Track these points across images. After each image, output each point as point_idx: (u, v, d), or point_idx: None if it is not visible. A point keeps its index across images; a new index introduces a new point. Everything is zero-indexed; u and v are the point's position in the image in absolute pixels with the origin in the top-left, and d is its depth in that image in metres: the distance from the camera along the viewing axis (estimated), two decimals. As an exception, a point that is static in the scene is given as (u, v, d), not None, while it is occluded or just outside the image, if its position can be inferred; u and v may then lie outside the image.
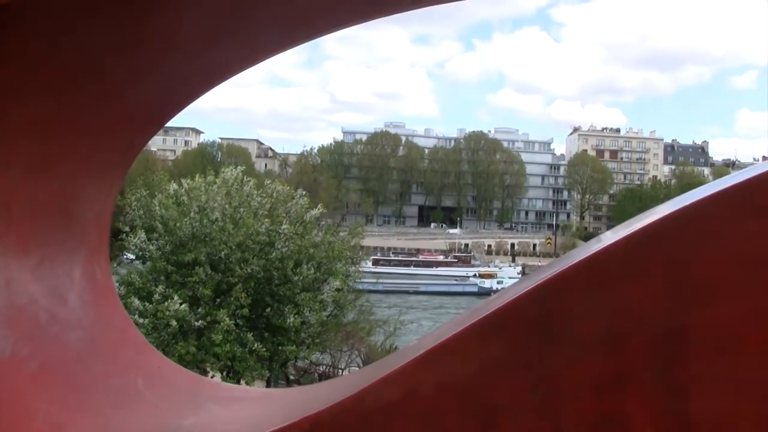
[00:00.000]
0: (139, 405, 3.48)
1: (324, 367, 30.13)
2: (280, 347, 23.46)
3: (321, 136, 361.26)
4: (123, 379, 3.59)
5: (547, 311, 2.33)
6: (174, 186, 25.47)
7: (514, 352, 2.36)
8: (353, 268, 28.67)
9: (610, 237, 2.66)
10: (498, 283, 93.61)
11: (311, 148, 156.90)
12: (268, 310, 23.45)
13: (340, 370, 29.35)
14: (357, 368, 28.95)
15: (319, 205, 27.62)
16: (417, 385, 2.41)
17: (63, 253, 3.54)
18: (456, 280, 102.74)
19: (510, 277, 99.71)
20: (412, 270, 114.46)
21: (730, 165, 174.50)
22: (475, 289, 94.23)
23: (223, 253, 22.48)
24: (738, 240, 2.22)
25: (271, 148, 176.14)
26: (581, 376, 2.30)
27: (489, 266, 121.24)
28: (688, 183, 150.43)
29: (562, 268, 2.38)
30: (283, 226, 23.99)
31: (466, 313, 2.99)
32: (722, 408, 2.22)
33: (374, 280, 40.20)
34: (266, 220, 24.14)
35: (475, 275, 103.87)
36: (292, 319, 22.92)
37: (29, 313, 3.29)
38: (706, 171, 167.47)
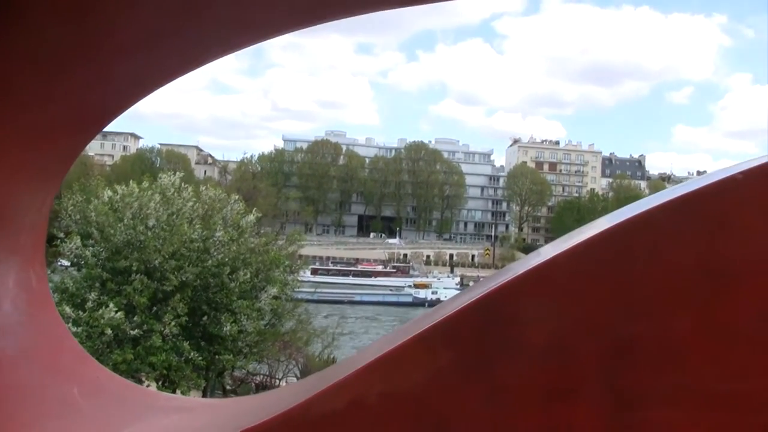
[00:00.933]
0: (75, 416, 3.39)
1: (261, 377, 29.86)
2: (216, 356, 23.23)
3: (262, 143, 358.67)
4: (58, 389, 3.49)
5: (495, 320, 2.30)
6: (108, 192, 25.06)
7: (462, 361, 2.32)
8: (291, 276, 28.53)
9: (549, 250, 2.65)
10: (433, 293, 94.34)
11: (251, 156, 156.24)
12: (205, 318, 23.19)
13: (277, 380, 29.14)
14: (294, 378, 28.81)
15: (253, 210, 27.45)
16: (363, 395, 2.37)
17: None
18: (391, 290, 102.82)
19: (446, 288, 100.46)
20: (351, 280, 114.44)
21: (666, 179, 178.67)
22: (410, 299, 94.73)
23: (157, 261, 22.16)
24: (683, 250, 2.22)
25: (210, 155, 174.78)
26: (531, 385, 2.27)
27: (428, 276, 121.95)
28: (625, 196, 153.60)
29: (509, 278, 2.35)
30: (218, 233, 23.78)
31: (413, 322, 2.96)
32: (669, 418, 2.23)
33: (312, 290, 39.90)
34: (198, 227, 23.90)
35: (410, 285, 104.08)
36: (228, 328, 22.70)
37: None
38: (643, 184, 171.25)
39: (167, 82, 3.70)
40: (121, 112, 3.75)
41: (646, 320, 2.22)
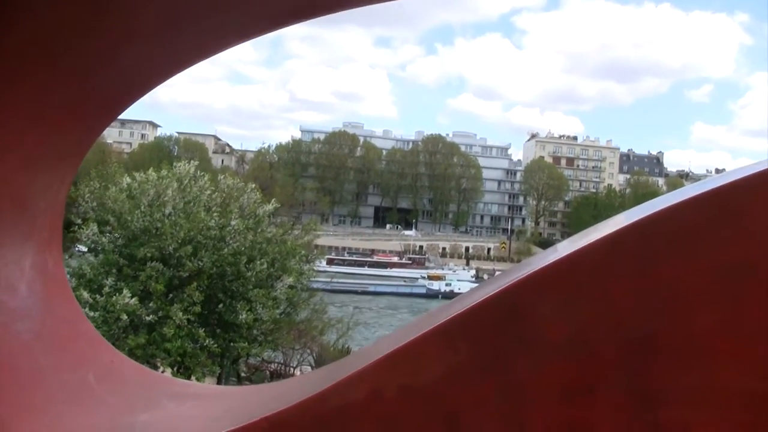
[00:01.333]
0: (90, 401, 3.37)
1: (276, 365, 29.95)
2: (231, 344, 23.29)
3: (279, 134, 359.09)
4: (73, 374, 3.49)
5: (514, 314, 2.29)
6: (127, 179, 25.12)
7: (479, 355, 2.31)
8: (307, 266, 28.55)
9: (566, 246, 2.65)
10: (447, 285, 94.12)
11: (269, 146, 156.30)
12: (221, 306, 23.25)
13: (291, 369, 29.22)
14: (309, 367, 28.88)
15: (272, 200, 27.45)
16: (380, 387, 2.37)
17: (13, 243, 3.44)
18: (405, 281, 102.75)
19: (459, 280, 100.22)
20: (366, 270, 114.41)
21: (684, 176, 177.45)
22: (423, 290, 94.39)
23: (171, 247, 22.21)
24: (709, 247, 2.20)
25: (228, 144, 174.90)
26: (548, 381, 2.26)
27: (443, 269, 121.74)
28: (642, 192, 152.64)
29: (528, 273, 2.33)
30: (233, 221, 23.81)
31: (428, 314, 2.94)
32: (691, 417, 2.20)
33: (328, 279, 39.97)
34: (216, 214, 23.94)
35: (424, 277, 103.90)
36: (244, 316, 22.74)
37: None
38: (661, 181, 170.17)
39: (183, 69, 3.68)
40: (138, 98, 3.73)
41: (668, 317, 2.20)
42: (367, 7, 3.36)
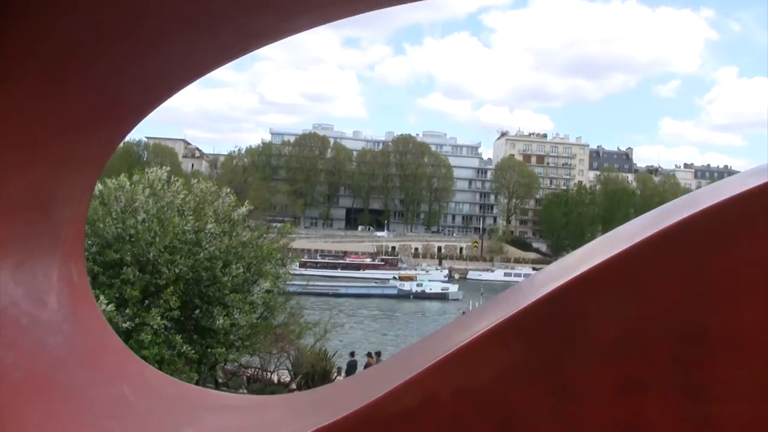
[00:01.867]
0: (131, 415, 3.34)
1: (253, 370, 29.75)
2: (209, 350, 23.08)
3: (250, 137, 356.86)
4: (109, 388, 3.47)
5: (566, 315, 2.31)
6: (99, 186, 24.86)
7: (533, 356, 2.34)
8: (283, 269, 28.42)
9: (609, 243, 2.68)
10: (418, 285, 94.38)
11: (239, 149, 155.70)
12: (197, 311, 23.05)
13: (269, 373, 29.06)
14: (286, 371, 28.78)
15: (246, 203, 27.31)
16: (435, 392, 2.37)
17: (41, 255, 3.39)
18: (377, 282, 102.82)
19: (431, 280, 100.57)
20: (339, 273, 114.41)
21: (653, 171, 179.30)
22: (394, 291, 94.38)
23: (151, 254, 22.00)
24: (759, 242, 2.20)
25: (198, 149, 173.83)
26: (600, 380, 2.28)
27: (416, 269, 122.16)
28: (612, 189, 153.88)
29: (580, 272, 2.33)
30: (209, 225, 23.63)
31: (474, 314, 2.97)
32: (744, 411, 2.20)
33: (304, 283, 39.84)
34: (191, 217, 23.73)
35: (395, 278, 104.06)
36: (221, 321, 22.56)
37: (10, 316, 3.15)
38: (630, 177, 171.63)
39: (209, 71, 3.65)
40: (163, 101, 3.68)
41: (718, 313, 2.21)
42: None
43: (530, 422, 2.32)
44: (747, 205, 2.23)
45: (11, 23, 2.64)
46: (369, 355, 29.47)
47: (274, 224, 39.60)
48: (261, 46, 3.53)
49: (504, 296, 2.83)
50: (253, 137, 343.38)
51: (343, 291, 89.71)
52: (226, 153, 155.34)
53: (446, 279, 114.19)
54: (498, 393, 2.34)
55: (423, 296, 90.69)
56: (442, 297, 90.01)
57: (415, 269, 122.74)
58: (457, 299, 71.84)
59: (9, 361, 3.04)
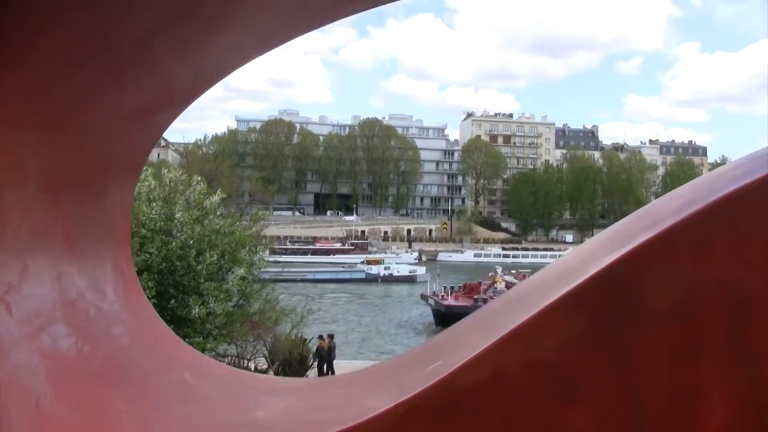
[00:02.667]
0: (199, 399, 3.45)
1: (230, 358, 29.62)
2: (186, 339, 22.87)
3: (216, 124, 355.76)
4: (172, 374, 3.61)
5: (623, 286, 2.42)
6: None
7: (593, 326, 2.44)
8: (257, 256, 28.29)
9: (632, 220, 3.00)
10: (385, 269, 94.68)
11: (205, 137, 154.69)
12: (173, 301, 22.85)
13: (246, 361, 28.95)
14: (263, 359, 28.71)
15: (218, 191, 27.14)
16: (503, 365, 2.47)
17: (98, 245, 3.49)
18: (344, 267, 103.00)
19: (398, 263, 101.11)
20: (309, 258, 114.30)
21: (619, 149, 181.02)
22: (362, 275, 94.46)
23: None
24: None
25: (164, 138, 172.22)
26: (656, 348, 2.40)
27: (386, 252, 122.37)
28: (579, 167, 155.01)
29: (634, 245, 2.45)
30: (177, 214, 23.41)
31: (533, 287, 3.13)
32: None
33: (276, 270, 39.68)
34: (157, 205, 23.48)
35: (363, 262, 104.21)
36: (197, 310, 22.40)
37: (80, 307, 3.22)
38: (597, 155, 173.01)
39: (257, 57, 3.72)
40: (209, 87, 3.74)
41: (762, 281, 2.34)
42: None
43: (594, 390, 2.44)
44: None
45: (80, 14, 2.66)
46: (321, 337, 29.59)
47: (244, 212, 39.47)
48: (295, 37, 3.59)
49: (570, 269, 2.84)
50: (220, 125, 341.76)
51: (310, 276, 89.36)
52: (192, 142, 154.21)
53: (416, 261, 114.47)
54: (562, 363, 2.47)
55: (391, 279, 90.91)
56: (410, 280, 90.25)
57: (386, 252, 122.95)
58: (425, 281, 72.33)
59: (86, 350, 3.15)
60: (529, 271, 74.78)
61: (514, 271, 69.08)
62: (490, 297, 56.73)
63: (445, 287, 61.65)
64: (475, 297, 57.61)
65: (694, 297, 2.37)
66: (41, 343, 2.87)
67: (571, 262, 3.20)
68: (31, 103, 2.71)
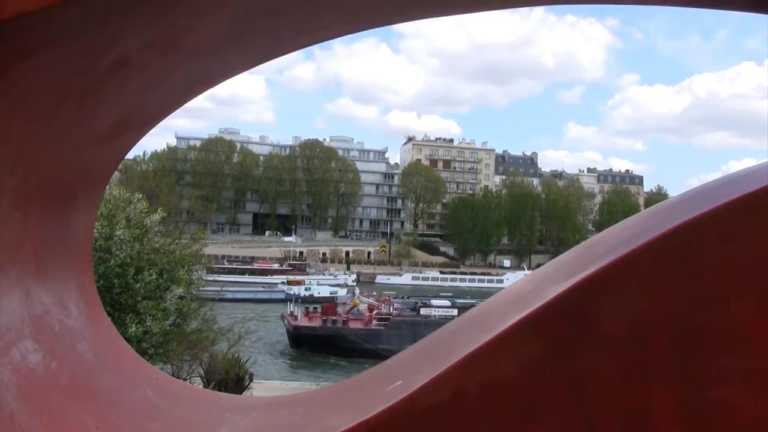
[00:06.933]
0: (164, 418, 3.45)
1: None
2: (122, 358, 22.66)
3: (155, 141, 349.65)
4: (135, 392, 3.60)
5: (578, 311, 2.54)
6: None
7: (550, 350, 2.55)
8: (196, 275, 28.03)
9: (598, 240, 3.11)
10: (306, 290, 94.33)
11: (144, 153, 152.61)
12: (109, 319, 22.58)
13: (182, 380, 28.61)
14: (199, 378, 28.37)
15: (159, 209, 26.87)
16: (463, 386, 2.56)
17: (63, 263, 3.50)
18: (264, 287, 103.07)
19: (319, 284, 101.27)
20: (247, 278, 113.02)
21: (557, 176, 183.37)
22: (282, 296, 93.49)
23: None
24: (745, 246, 2.46)
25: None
26: (609, 371, 2.50)
27: (324, 274, 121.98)
28: (518, 193, 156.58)
29: (590, 272, 2.57)
30: (118, 232, 23.13)
31: (493, 313, 3.16)
32: (734, 395, 2.43)
33: (216, 289, 39.26)
34: (98, 225, 23.18)
35: (283, 282, 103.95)
36: (134, 329, 22.10)
37: (46, 323, 3.25)
38: (536, 181, 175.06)
39: (226, 79, 3.76)
40: (175, 110, 3.81)
41: (710, 308, 2.46)
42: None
43: (550, 411, 2.52)
44: (730, 214, 2.50)
45: (67, 40, 2.71)
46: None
47: (182, 230, 38.98)
48: (277, 57, 3.69)
49: (529, 294, 3.02)
50: (159, 141, 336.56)
51: (229, 296, 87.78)
52: (132, 158, 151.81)
53: (355, 283, 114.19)
54: (520, 385, 2.54)
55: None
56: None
57: (323, 274, 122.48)
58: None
59: (54, 366, 3.14)
60: (393, 293, 75.86)
61: (374, 293, 72.66)
62: (347, 318, 60.41)
63: (306, 307, 64.07)
64: (324, 318, 60.01)
65: (646, 323, 2.48)
66: (12, 358, 2.90)
67: (527, 286, 3.32)
68: (14, 127, 2.77)
